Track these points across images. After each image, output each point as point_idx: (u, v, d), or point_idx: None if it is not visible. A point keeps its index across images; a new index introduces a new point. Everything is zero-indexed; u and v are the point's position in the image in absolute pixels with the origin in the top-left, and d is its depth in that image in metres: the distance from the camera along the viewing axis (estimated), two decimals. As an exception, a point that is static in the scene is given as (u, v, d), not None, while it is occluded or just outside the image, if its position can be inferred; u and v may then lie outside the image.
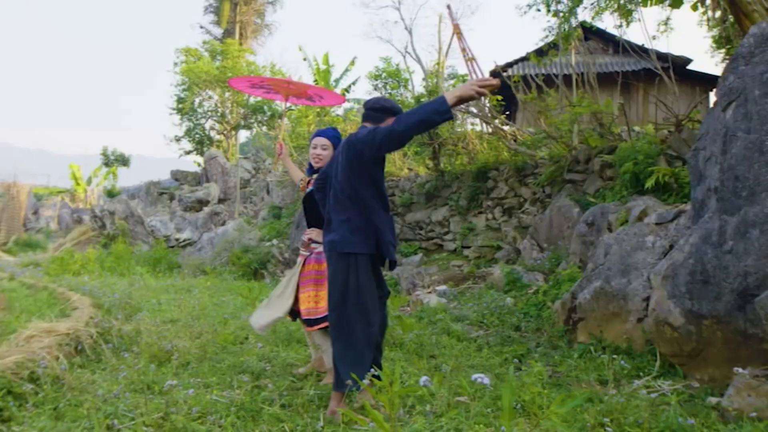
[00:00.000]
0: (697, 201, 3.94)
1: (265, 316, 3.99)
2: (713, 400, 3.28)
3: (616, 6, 9.80)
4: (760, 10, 5.93)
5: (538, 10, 10.05)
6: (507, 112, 14.55)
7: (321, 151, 3.99)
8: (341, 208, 3.32)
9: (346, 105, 23.33)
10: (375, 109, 3.44)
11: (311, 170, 4.11)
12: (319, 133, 4.09)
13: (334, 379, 3.27)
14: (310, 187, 3.99)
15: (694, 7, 8.36)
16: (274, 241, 12.78)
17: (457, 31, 4.11)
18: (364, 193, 3.29)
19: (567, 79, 11.35)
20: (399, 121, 3.08)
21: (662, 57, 12.10)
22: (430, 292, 7.76)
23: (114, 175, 30.10)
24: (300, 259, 4.04)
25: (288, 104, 5.23)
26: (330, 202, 3.42)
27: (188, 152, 27.82)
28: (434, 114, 3.00)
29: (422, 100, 11.82)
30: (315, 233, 3.94)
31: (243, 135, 30.86)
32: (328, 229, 3.40)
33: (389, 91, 14.31)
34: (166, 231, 17.04)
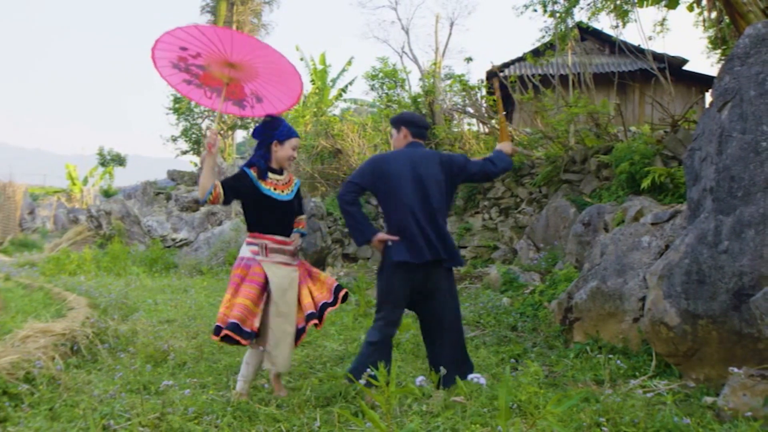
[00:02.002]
0: (693, 201, 3.96)
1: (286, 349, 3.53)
2: (709, 399, 3.29)
3: (612, 6, 9.83)
4: (755, 11, 5.95)
5: (535, 11, 10.09)
6: (504, 113, 14.56)
7: (294, 153, 3.73)
8: (437, 219, 3.53)
9: (343, 105, 23.32)
10: (426, 128, 3.85)
11: (266, 168, 3.63)
12: (296, 134, 3.72)
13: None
14: (288, 194, 3.65)
15: (690, 8, 8.39)
16: (271, 241, 12.74)
17: (498, 97, 4.06)
18: (450, 206, 3.84)
19: (563, 79, 11.38)
20: (494, 164, 3.66)
21: (658, 57, 12.13)
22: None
23: (110, 175, 30.03)
24: (288, 269, 3.60)
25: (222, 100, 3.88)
26: (419, 214, 3.50)
27: (185, 152, 27.74)
28: (509, 165, 3.76)
29: (419, 99, 11.82)
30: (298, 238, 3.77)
31: (240, 135, 30.84)
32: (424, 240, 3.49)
33: (386, 91, 14.33)
34: (162, 231, 17.01)
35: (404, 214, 3.49)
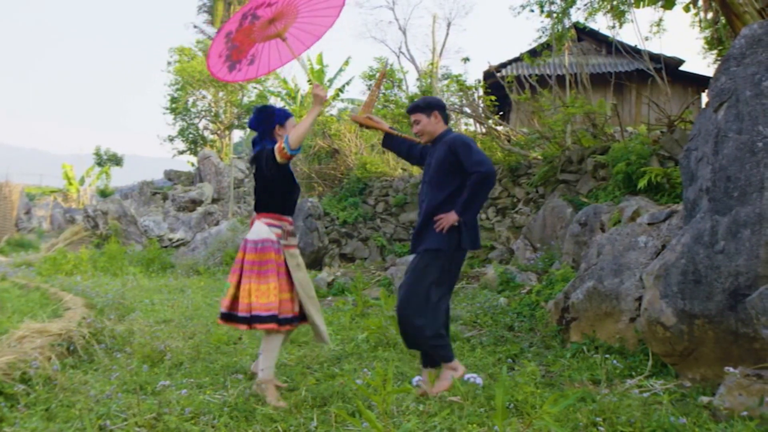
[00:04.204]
0: (689, 201, 3.97)
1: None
2: (705, 399, 3.30)
3: (609, 7, 9.85)
4: (751, 12, 5.97)
5: (532, 11, 10.09)
6: (500, 113, 14.59)
7: None
8: None
9: (340, 105, 23.30)
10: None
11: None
12: (291, 113, 3.87)
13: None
14: (296, 178, 3.79)
15: (687, 9, 8.43)
16: (268, 241, 12.73)
17: (379, 81, 3.92)
18: None
19: (560, 79, 11.40)
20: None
21: (655, 58, 12.16)
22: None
23: (107, 174, 29.97)
24: (296, 251, 3.75)
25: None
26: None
27: (182, 152, 27.73)
28: None
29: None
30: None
31: (237, 135, 30.81)
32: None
33: (383, 91, 14.32)
34: (159, 231, 16.99)
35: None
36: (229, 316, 3.57)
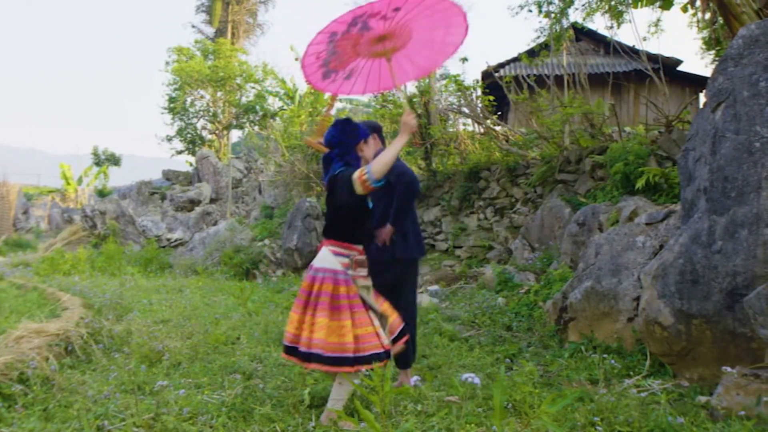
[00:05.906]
0: (687, 201, 3.97)
1: None
2: (702, 398, 3.30)
3: (607, 7, 9.87)
4: (749, 12, 5.98)
5: (530, 11, 10.11)
6: (499, 113, 14.58)
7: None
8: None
9: (338, 104, 23.27)
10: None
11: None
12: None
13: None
14: (371, 201, 3.39)
15: (684, 9, 8.44)
16: (266, 241, 12.75)
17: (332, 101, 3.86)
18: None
19: (558, 79, 11.40)
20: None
21: (653, 58, 12.17)
22: (421, 292, 7.77)
23: (105, 174, 29.92)
24: (367, 282, 3.34)
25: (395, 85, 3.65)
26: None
27: (180, 152, 27.73)
28: None
29: (414, 100, 11.82)
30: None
31: (235, 135, 30.81)
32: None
33: (381, 91, 14.31)
34: (157, 231, 16.96)
35: (413, 215, 3.90)
36: (292, 350, 3.20)
